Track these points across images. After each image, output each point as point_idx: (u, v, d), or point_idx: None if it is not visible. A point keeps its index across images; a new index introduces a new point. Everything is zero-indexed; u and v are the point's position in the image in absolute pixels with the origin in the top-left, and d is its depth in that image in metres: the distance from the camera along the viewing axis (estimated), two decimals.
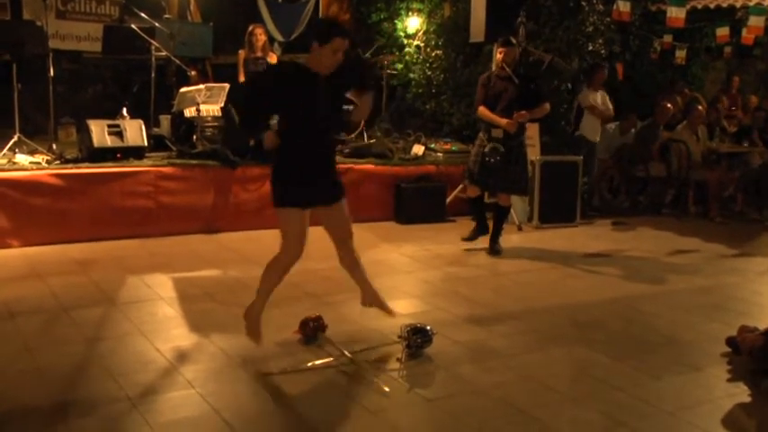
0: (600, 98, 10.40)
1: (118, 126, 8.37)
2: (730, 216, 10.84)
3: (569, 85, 10.37)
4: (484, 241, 8.13)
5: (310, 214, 4.85)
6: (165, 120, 9.60)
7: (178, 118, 9.24)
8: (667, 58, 13.22)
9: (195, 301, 6.06)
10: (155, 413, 4.03)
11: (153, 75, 9.59)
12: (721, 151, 11.26)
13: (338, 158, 9.60)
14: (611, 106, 10.56)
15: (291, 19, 12.86)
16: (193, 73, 10.41)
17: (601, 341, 5.43)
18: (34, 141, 8.47)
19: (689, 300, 6.59)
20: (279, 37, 12.63)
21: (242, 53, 10.12)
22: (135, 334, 5.24)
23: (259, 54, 9.96)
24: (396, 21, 13.27)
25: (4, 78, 8.53)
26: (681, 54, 13.01)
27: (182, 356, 4.86)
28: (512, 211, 8.91)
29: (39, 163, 7.94)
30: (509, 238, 8.53)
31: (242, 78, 10.01)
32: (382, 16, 13.49)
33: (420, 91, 12.56)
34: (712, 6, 11.54)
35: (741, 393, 4.61)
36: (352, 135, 10.49)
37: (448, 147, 10.62)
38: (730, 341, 5.26)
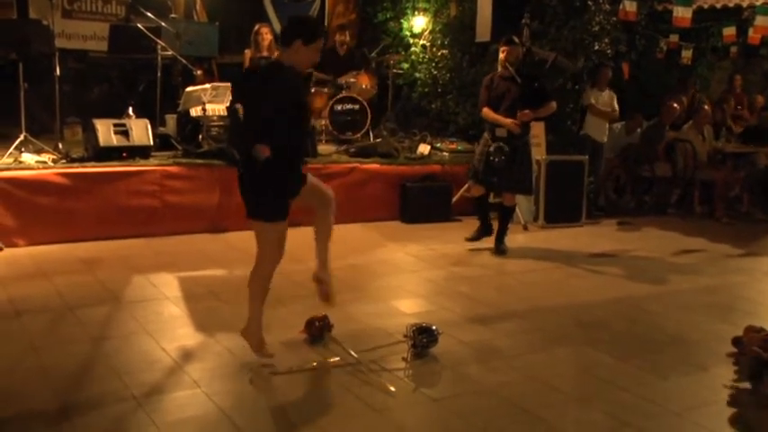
0: (607, 98, 10.39)
1: (124, 125, 8.38)
2: (736, 216, 10.82)
3: (576, 85, 10.34)
4: (489, 241, 8.13)
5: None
6: (170, 119, 9.61)
7: (184, 117, 9.24)
8: (673, 57, 13.17)
9: (201, 300, 6.07)
10: (160, 412, 4.04)
11: (159, 74, 9.59)
12: (727, 151, 11.23)
13: (344, 158, 9.69)
14: (617, 106, 10.54)
15: None
16: (199, 72, 10.41)
17: (606, 341, 5.43)
18: (40, 140, 8.48)
19: (695, 300, 6.58)
20: None
21: (248, 52, 10.13)
22: (140, 333, 5.25)
23: (265, 53, 9.95)
24: (402, 20, 13.25)
25: (11, 77, 8.53)
26: (687, 54, 12.97)
27: (187, 356, 4.87)
28: (517, 210, 8.91)
29: (45, 162, 7.95)
30: (514, 238, 8.52)
31: None
32: (388, 15, 13.47)
33: (426, 90, 12.54)
34: (719, 6, 11.49)
35: (747, 393, 4.60)
36: None
37: (453, 146, 10.61)
38: (737, 341, 5.25)
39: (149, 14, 9.90)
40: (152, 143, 8.57)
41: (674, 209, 11.15)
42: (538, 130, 9.51)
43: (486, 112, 7.84)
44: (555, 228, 9.43)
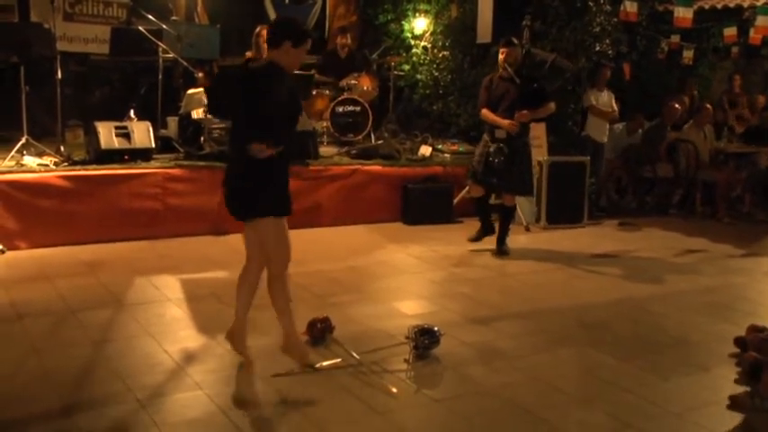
0: (606, 98, 10.39)
1: (125, 128, 8.39)
2: (738, 216, 10.80)
3: (576, 86, 10.34)
4: (491, 242, 8.12)
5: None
6: (172, 121, 9.60)
7: (185, 119, 9.24)
8: (674, 58, 13.17)
9: (203, 302, 6.07)
10: (163, 414, 4.05)
11: (160, 76, 9.59)
12: (729, 151, 11.23)
13: (345, 160, 9.70)
14: (616, 106, 10.54)
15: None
16: (200, 74, 10.41)
17: (608, 342, 5.43)
18: (42, 143, 8.49)
19: (696, 300, 6.58)
20: None
21: (249, 54, 10.11)
22: (143, 335, 5.26)
23: (266, 55, 9.96)
24: (403, 22, 13.25)
25: (12, 81, 8.54)
26: (688, 54, 12.97)
27: (189, 358, 4.87)
28: (519, 211, 8.91)
29: (46, 165, 7.96)
30: (516, 239, 8.52)
31: None
32: (389, 17, 13.47)
33: (427, 92, 12.55)
34: (719, 6, 11.49)
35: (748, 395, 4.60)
36: None
37: (455, 148, 10.62)
38: (739, 341, 5.25)
39: (150, 17, 9.91)
40: (153, 146, 8.58)
41: (676, 209, 11.13)
42: (539, 132, 9.51)
43: (485, 112, 7.85)
44: (557, 229, 9.43)
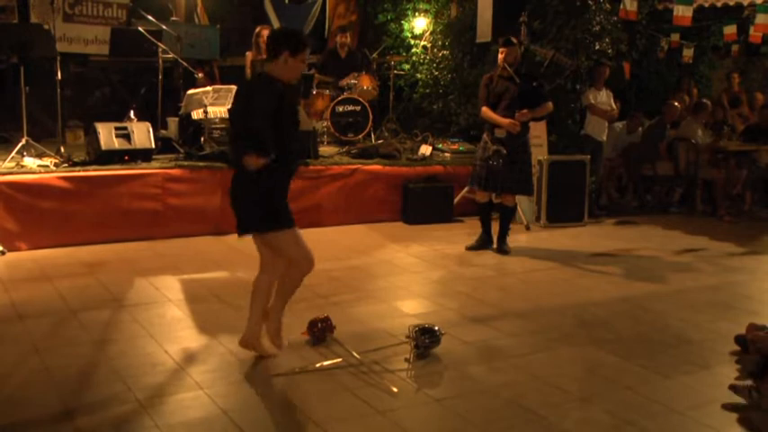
0: (605, 97, 10.39)
1: (125, 128, 8.40)
2: (738, 215, 10.80)
3: (576, 85, 10.33)
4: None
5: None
6: (172, 122, 9.62)
7: (185, 120, 9.25)
8: (674, 56, 13.18)
9: (203, 302, 6.08)
10: (163, 415, 4.05)
11: (160, 77, 9.61)
12: (729, 150, 11.22)
13: (346, 159, 9.70)
14: (614, 105, 10.54)
15: (298, 20, 12.88)
16: (200, 75, 10.43)
17: (609, 340, 5.43)
18: (42, 144, 8.50)
19: (697, 298, 6.58)
20: None
21: (249, 55, 10.14)
22: (143, 336, 5.26)
23: (266, 55, 9.96)
24: (403, 21, 13.28)
25: (12, 81, 8.55)
26: (688, 53, 12.98)
27: (190, 358, 4.87)
28: (519, 210, 8.91)
29: (47, 166, 7.96)
30: (517, 238, 8.52)
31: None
32: (389, 17, 13.49)
33: (427, 91, 12.56)
34: (719, 5, 11.47)
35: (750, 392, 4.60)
36: None
37: (455, 147, 10.63)
38: (739, 339, 5.25)
39: (150, 18, 9.92)
40: (154, 146, 8.58)
41: (677, 208, 11.13)
42: (539, 131, 9.52)
43: (485, 111, 7.85)
44: (557, 227, 9.43)
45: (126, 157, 8.28)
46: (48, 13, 9.49)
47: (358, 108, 10.61)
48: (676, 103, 11.27)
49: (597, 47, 10.15)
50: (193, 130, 9.11)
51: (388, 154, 9.93)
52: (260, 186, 4.47)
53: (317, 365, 4.73)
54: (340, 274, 6.86)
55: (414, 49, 12.99)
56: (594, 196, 10.39)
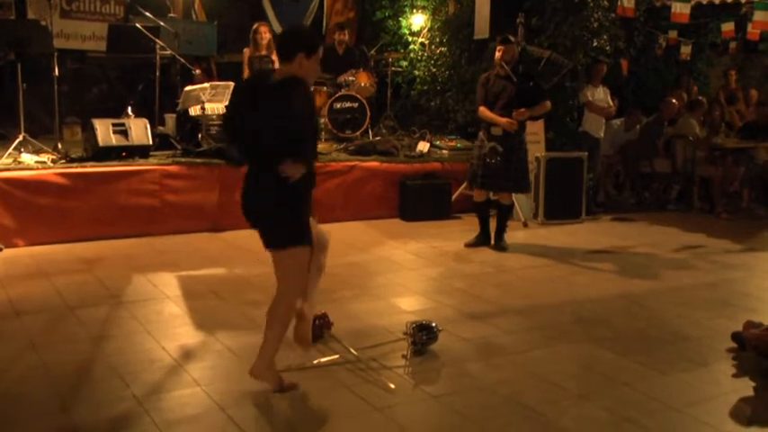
0: (602, 94, 10.40)
1: (123, 125, 8.38)
2: (736, 212, 10.81)
3: (573, 82, 10.34)
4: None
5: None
6: (170, 118, 9.61)
7: (183, 116, 9.24)
8: (672, 53, 13.19)
9: (201, 299, 6.07)
10: (161, 411, 4.04)
11: (158, 73, 9.60)
12: (726, 147, 11.22)
13: (343, 156, 9.69)
14: (611, 102, 10.55)
15: (296, 16, 12.86)
16: (198, 71, 10.41)
17: (607, 337, 5.43)
18: (39, 141, 8.49)
19: (695, 295, 6.58)
20: None
21: (247, 51, 10.13)
22: (141, 332, 5.25)
23: (264, 52, 9.96)
24: (400, 18, 13.27)
25: (10, 78, 8.53)
26: (686, 50, 12.98)
27: (188, 354, 4.87)
28: (517, 207, 8.92)
29: (44, 162, 7.95)
30: (514, 235, 8.52)
31: (246, 76, 10.02)
32: (387, 13, 13.48)
33: (425, 88, 12.56)
34: (717, 2, 11.49)
35: (747, 389, 4.61)
36: None
37: (453, 144, 10.61)
38: (736, 337, 5.26)
39: (148, 14, 9.90)
40: (151, 143, 8.57)
41: (674, 205, 11.14)
42: (537, 128, 9.52)
43: (483, 110, 7.85)
44: (554, 224, 9.43)
45: (123, 154, 8.27)
46: (45, 10, 9.48)
47: (356, 105, 10.60)
48: (674, 100, 11.27)
49: (595, 44, 10.15)
50: (191, 127, 9.10)
51: (385, 151, 9.93)
52: (291, 196, 4.13)
53: (315, 362, 4.73)
54: (337, 271, 6.85)
55: (411, 46, 12.98)
56: (592, 193, 10.39)
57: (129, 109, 8.86)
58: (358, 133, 10.59)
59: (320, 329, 5.16)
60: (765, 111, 11.56)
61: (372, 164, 9.57)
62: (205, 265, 7.17)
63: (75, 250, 7.45)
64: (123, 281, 6.51)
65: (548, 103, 7.91)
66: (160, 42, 9.53)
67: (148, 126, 8.57)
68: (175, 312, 5.74)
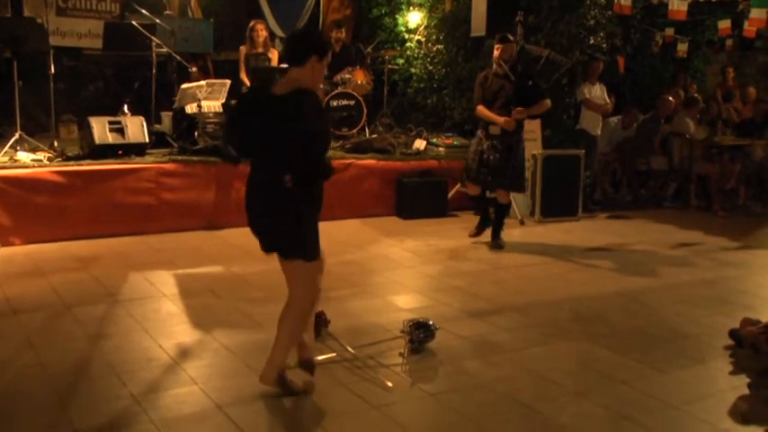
0: (599, 91, 10.40)
1: (119, 123, 8.36)
2: (733, 209, 10.82)
3: (571, 80, 10.34)
4: (486, 235, 8.15)
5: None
6: (166, 116, 9.59)
7: (179, 114, 9.23)
8: (669, 51, 13.19)
9: (198, 297, 6.06)
10: (158, 410, 4.03)
11: (154, 71, 9.57)
12: (723, 144, 11.24)
13: (340, 153, 9.68)
14: (608, 99, 10.55)
15: (292, 14, 12.84)
16: (194, 69, 10.40)
17: (604, 335, 5.43)
18: (35, 139, 8.47)
19: (692, 293, 6.59)
20: (280, 32, 12.60)
21: (243, 49, 10.12)
22: (138, 331, 5.24)
23: (260, 50, 9.96)
24: (397, 15, 13.25)
25: (5, 76, 8.51)
26: (682, 47, 12.98)
27: (184, 353, 4.86)
28: (514, 205, 8.91)
29: (40, 160, 7.93)
30: (511, 233, 8.52)
31: (243, 74, 10.02)
32: (383, 11, 13.46)
33: (421, 86, 12.54)
34: None
35: (745, 386, 4.61)
36: None
37: (449, 141, 10.62)
38: (733, 334, 5.26)
39: (144, 11, 9.89)
40: (147, 140, 8.55)
41: (671, 202, 11.15)
42: (534, 126, 9.53)
43: (481, 109, 7.85)
44: (551, 222, 9.43)
45: (120, 152, 8.24)
46: (41, 7, 9.46)
47: (352, 103, 10.58)
48: (670, 98, 11.28)
49: (592, 41, 10.16)
50: (187, 125, 9.09)
51: (382, 148, 9.92)
52: (302, 207, 4.11)
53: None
54: (334, 269, 6.83)
55: (408, 44, 12.96)
56: (589, 191, 10.40)
57: (126, 107, 8.82)
58: (354, 131, 10.57)
59: (317, 327, 5.14)
60: (763, 108, 11.58)
61: (369, 162, 9.56)
62: (202, 263, 7.16)
63: (72, 248, 7.43)
64: (120, 279, 6.50)
65: (547, 102, 7.90)
66: (156, 40, 9.51)
67: (145, 124, 8.55)
68: (172, 310, 5.73)
